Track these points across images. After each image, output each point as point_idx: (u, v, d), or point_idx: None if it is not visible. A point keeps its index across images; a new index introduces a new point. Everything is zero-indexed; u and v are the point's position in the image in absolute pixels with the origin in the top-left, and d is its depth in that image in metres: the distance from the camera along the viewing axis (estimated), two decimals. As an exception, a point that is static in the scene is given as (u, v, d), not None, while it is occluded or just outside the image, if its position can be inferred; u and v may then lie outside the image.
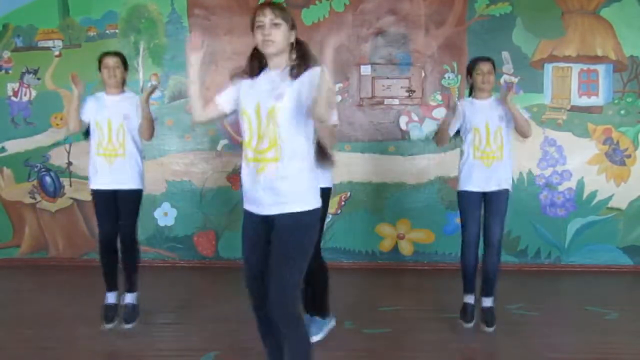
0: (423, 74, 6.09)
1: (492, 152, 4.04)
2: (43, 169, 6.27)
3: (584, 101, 6.07)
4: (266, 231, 2.57)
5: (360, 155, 6.05)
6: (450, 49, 6.07)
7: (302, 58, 2.56)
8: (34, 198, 6.33)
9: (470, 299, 4.24)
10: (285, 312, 2.50)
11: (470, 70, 4.22)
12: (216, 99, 2.73)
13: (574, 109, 6.06)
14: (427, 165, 6.09)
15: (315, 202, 2.57)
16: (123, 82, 4.20)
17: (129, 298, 4.23)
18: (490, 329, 4.11)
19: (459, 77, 6.06)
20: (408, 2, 6.06)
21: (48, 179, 6.25)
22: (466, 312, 4.23)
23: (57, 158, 6.26)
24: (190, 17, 6.13)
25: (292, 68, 2.55)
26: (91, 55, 6.31)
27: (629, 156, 6.07)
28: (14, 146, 6.29)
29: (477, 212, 4.10)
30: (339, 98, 6.12)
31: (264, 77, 2.61)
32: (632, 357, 3.82)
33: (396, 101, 6.08)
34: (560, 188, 6.10)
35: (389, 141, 6.07)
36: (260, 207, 2.57)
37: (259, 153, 2.53)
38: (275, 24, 2.49)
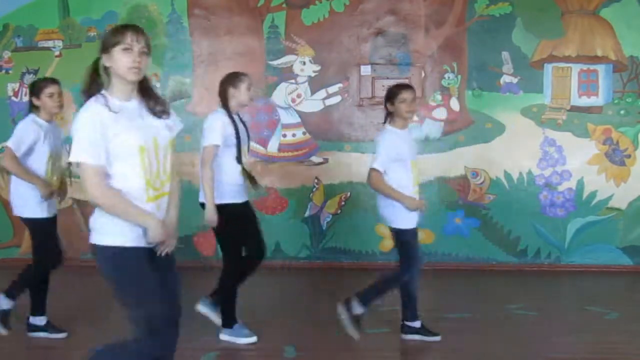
0: (423, 74, 6.09)
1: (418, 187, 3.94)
2: (43, 169, 6.26)
3: (584, 101, 6.07)
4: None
5: (360, 156, 6.05)
6: (450, 49, 6.07)
7: (149, 93, 2.46)
8: (34, 198, 6.32)
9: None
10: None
11: (391, 98, 3.86)
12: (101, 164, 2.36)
13: (574, 109, 6.06)
14: (427, 165, 6.08)
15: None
16: None
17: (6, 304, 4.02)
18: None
19: (459, 77, 6.07)
20: (408, 2, 6.06)
21: (48, 179, 6.23)
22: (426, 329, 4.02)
23: (57, 158, 6.25)
24: (190, 17, 6.13)
25: (155, 104, 2.47)
26: (92, 55, 6.35)
27: (628, 156, 6.07)
28: (14, 146, 6.28)
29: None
30: (339, 98, 6.13)
31: (130, 108, 2.39)
32: (632, 357, 3.82)
33: (396, 101, 6.07)
34: (560, 188, 6.10)
35: (389, 141, 6.06)
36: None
37: (159, 189, 2.45)
38: (145, 53, 2.34)
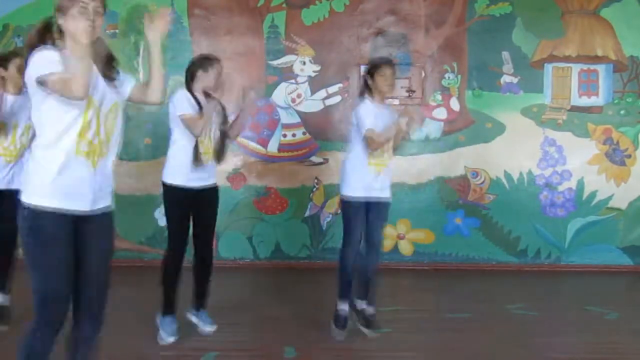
0: (423, 74, 6.09)
1: (384, 161, 3.97)
2: (43, 169, 6.26)
3: (584, 101, 6.07)
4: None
5: (360, 155, 6.05)
6: (450, 49, 6.07)
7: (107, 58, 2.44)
8: (34, 198, 6.32)
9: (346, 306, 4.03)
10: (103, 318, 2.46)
11: (371, 71, 3.95)
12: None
13: (574, 109, 6.07)
14: (427, 165, 6.09)
15: None
16: None
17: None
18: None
19: (459, 77, 6.07)
20: (408, 2, 6.06)
21: (48, 179, 6.23)
22: (343, 319, 4.01)
23: (57, 158, 6.25)
24: (190, 17, 6.13)
25: (107, 69, 2.44)
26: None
27: (629, 156, 6.07)
28: (14, 146, 6.28)
29: (363, 217, 3.97)
30: (339, 98, 6.13)
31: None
32: (632, 357, 3.82)
33: (396, 101, 6.07)
34: (560, 188, 6.10)
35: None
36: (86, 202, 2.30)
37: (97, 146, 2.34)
38: (99, 13, 2.31)
